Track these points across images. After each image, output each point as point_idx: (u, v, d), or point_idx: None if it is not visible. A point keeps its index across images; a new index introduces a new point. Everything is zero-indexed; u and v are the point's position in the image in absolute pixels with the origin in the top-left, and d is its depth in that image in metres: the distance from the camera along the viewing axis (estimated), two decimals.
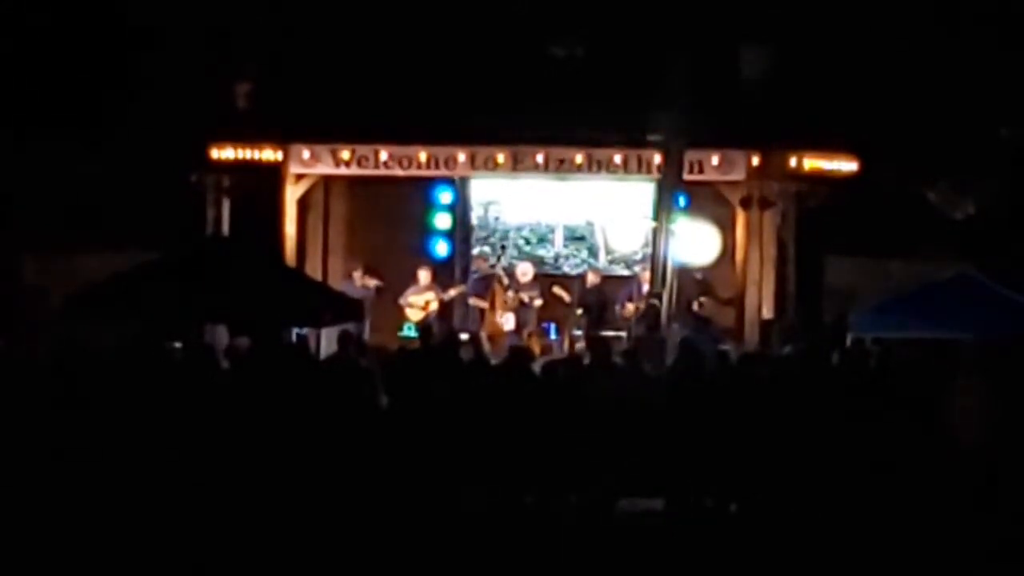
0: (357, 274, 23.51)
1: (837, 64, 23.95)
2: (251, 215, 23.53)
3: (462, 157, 23.45)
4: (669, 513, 15.75)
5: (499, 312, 23.16)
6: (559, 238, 25.15)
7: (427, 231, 24.95)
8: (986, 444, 15.30)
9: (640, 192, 24.14)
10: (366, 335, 21.24)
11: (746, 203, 23.59)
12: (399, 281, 23.67)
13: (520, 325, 22.91)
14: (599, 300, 23.38)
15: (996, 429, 15.44)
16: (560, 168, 23.57)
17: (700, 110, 20.97)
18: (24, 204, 24.28)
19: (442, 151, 23.42)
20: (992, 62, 24.81)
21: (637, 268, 23.90)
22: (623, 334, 22.45)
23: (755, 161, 23.16)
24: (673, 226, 20.98)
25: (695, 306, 22.78)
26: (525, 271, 23.69)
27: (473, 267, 24.28)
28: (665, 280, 20.63)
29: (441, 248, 24.92)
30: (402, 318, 23.31)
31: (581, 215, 25.11)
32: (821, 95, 23.07)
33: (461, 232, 24.91)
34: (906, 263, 23.04)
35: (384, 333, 22.69)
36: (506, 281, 23.42)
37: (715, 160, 23.14)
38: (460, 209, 24.93)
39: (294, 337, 20.40)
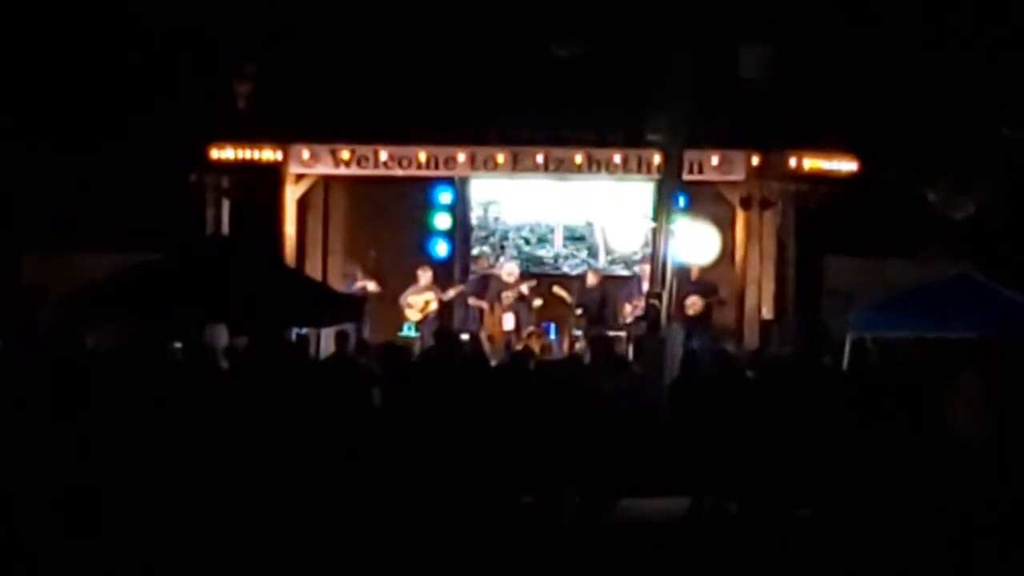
0: (357, 274, 23.50)
1: (837, 64, 23.95)
2: (251, 215, 23.54)
3: (462, 157, 23.45)
4: (669, 513, 15.75)
5: (499, 312, 23.16)
6: (559, 238, 25.11)
7: (427, 231, 24.93)
8: (986, 443, 15.30)
9: (640, 192, 24.13)
10: (366, 334, 21.22)
11: (746, 203, 23.59)
12: (399, 281, 23.67)
13: (519, 325, 22.90)
14: (599, 300, 23.36)
15: (996, 428, 15.44)
16: (560, 168, 23.57)
17: (700, 110, 20.96)
18: (24, 204, 24.28)
19: (442, 151, 23.42)
20: (992, 62, 24.81)
21: (637, 268, 23.89)
22: (623, 334, 22.45)
23: (755, 161, 23.18)
24: (673, 226, 20.96)
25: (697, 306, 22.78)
26: (511, 271, 23.57)
27: (473, 267, 24.28)
28: (665, 280, 20.60)
29: (441, 248, 24.90)
30: (402, 318, 23.32)
31: (581, 215, 25.07)
32: (821, 95, 23.08)
33: (461, 232, 24.89)
34: (906, 263, 23.04)
35: (384, 333, 22.68)
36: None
37: (715, 160, 23.15)
38: (460, 209, 24.91)
39: (294, 337, 20.39)
